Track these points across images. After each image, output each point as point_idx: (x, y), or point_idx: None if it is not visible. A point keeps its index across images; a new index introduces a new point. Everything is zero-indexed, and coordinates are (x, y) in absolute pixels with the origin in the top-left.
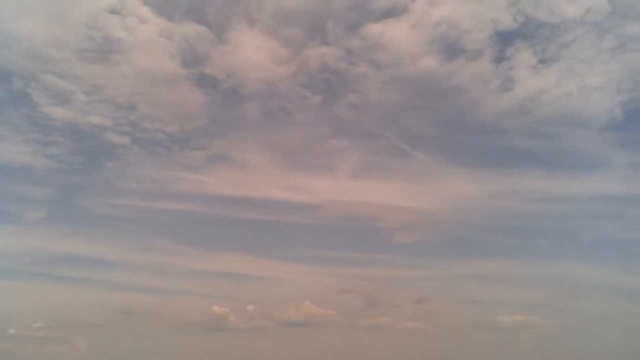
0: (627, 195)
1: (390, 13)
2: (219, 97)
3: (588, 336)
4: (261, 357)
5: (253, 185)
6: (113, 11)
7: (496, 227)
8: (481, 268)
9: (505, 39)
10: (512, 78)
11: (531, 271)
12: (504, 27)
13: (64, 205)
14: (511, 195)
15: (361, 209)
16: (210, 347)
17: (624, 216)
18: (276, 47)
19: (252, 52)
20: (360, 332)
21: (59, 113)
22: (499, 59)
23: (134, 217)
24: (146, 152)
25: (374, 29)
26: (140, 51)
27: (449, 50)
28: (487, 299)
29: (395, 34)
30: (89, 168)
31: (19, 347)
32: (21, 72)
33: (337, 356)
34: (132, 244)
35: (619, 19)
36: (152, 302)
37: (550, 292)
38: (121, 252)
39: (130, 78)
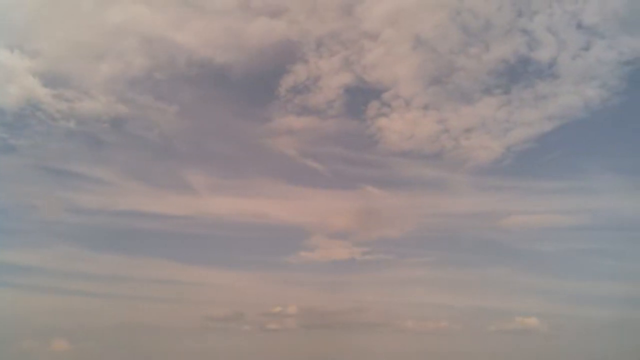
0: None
1: None
2: None
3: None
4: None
5: (123, 201)
6: None
7: None
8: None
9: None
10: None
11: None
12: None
13: None
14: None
15: (238, 221)
16: (145, 346)
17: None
18: None
19: None
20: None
21: None
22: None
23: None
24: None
25: None
26: None
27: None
28: (412, 302)
29: None
30: None
31: None
32: None
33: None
34: (52, 253)
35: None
36: (85, 305)
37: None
38: (46, 260)
39: None
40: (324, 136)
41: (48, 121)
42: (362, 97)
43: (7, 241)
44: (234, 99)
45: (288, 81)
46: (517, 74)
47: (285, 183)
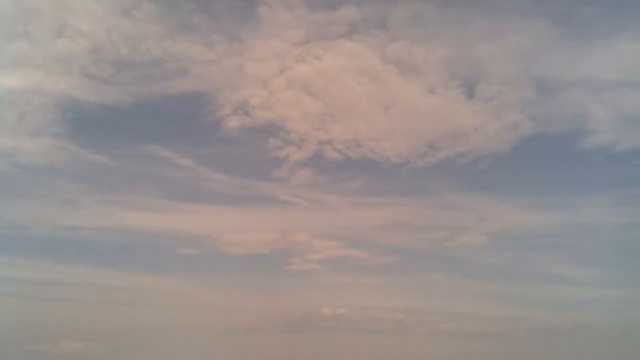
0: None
1: None
2: None
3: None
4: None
5: None
6: None
7: None
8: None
9: None
10: None
11: None
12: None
13: None
14: None
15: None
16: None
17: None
18: None
19: None
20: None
21: None
22: None
23: None
24: None
25: None
26: None
27: None
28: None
29: None
30: None
31: None
32: None
33: None
34: None
35: None
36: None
37: None
38: None
39: None
40: (227, 162)
41: None
42: (260, 134)
43: None
44: (146, 133)
45: (196, 123)
46: None
47: (187, 200)
